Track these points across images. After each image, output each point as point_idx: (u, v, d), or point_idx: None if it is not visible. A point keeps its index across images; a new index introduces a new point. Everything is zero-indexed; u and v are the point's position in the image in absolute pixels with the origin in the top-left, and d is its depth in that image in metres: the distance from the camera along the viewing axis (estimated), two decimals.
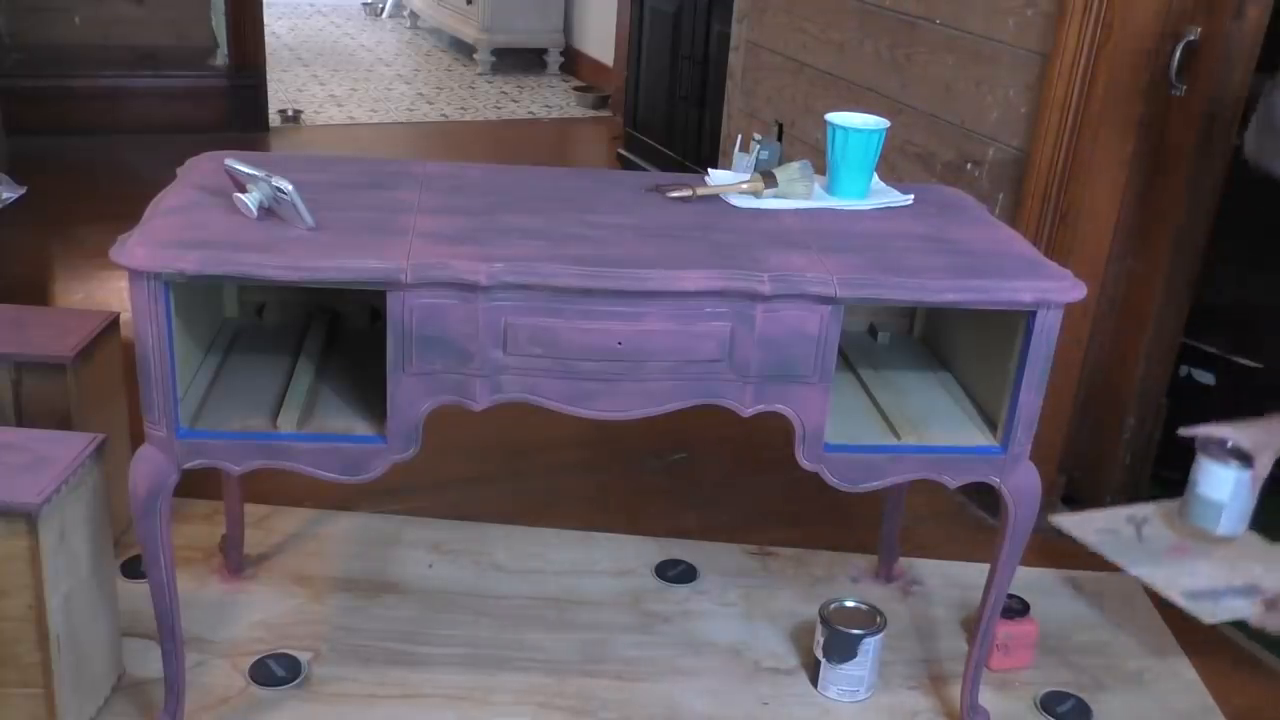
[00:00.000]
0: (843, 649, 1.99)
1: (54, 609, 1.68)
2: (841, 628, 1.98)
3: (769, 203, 1.88)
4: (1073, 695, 2.07)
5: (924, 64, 2.80)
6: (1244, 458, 2.07)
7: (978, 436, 1.80)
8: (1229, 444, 2.08)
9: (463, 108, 6.06)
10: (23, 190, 4.16)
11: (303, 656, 2.02)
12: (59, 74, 4.92)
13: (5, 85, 4.63)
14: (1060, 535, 2.41)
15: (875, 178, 1.95)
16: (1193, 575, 2.09)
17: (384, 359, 1.60)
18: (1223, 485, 2.07)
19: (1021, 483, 1.77)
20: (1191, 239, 2.50)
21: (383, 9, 8.43)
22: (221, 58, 5.21)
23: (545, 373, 1.62)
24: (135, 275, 1.51)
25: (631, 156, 4.93)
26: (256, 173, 1.61)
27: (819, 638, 2.02)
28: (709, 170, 2.02)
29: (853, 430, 1.78)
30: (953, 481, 1.77)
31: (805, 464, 1.73)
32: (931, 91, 2.78)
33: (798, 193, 1.89)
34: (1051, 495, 2.56)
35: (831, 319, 1.63)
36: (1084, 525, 2.25)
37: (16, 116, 4.53)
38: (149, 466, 1.62)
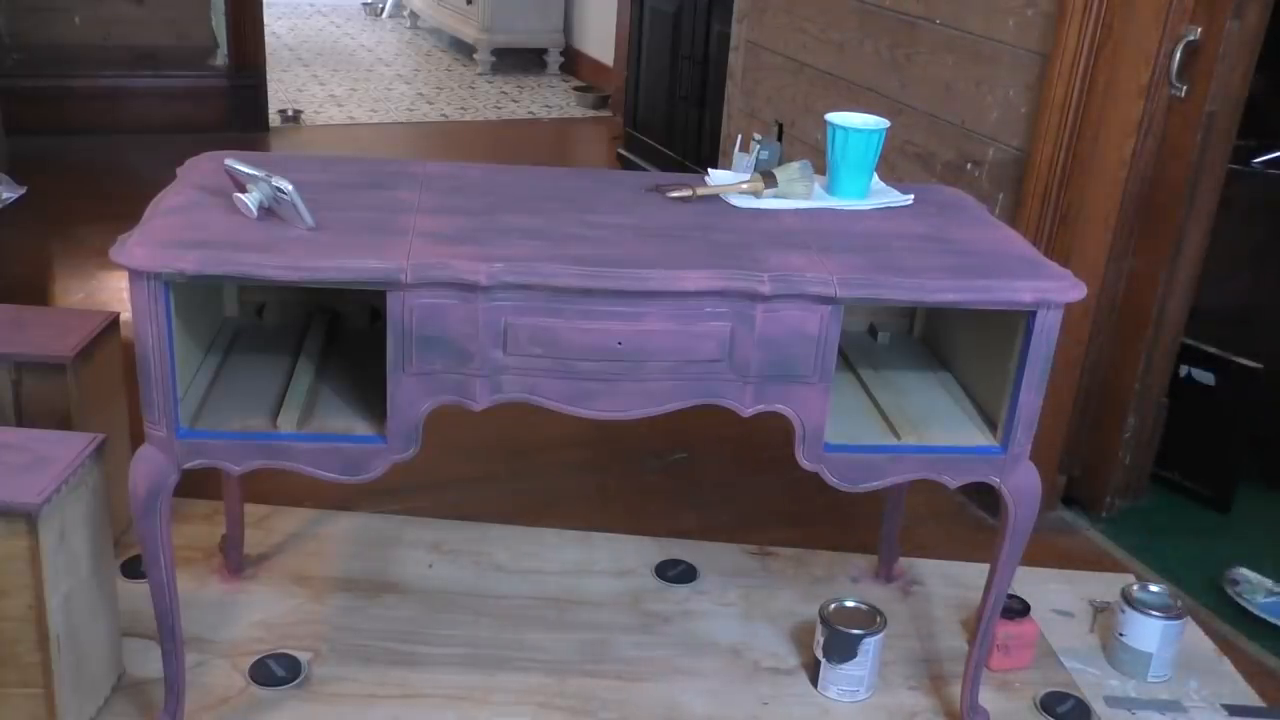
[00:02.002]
0: (843, 649, 1.99)
1: (54, 609, 1.68)
2: (841, 628, 1.98)
3: (769, 203, 1.88)
4: (1073, 695, 2.07)
5: (924, 64, 2.80)
6: (1170, 605, 2.10)
7: (978, 436, 1.80)
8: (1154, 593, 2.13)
9: (463, 108, 6.06)
10: (23, 190, 4.17)
11: (303, 656, 2.02)
12: (59, 74, 4.92)
13: (5, 85, 4.63)
14: (1061, 534, 2.43)
15: (875, 178, 1.95)
16: (1122, 681, 2.11)
17: (384, 359, 1.60)
18: (1150, 636, 2.10)
19: (1021, 483, 1.77)
20: (1191, 239, 2.50)
21: (383, 9, 8.43)
22: (221, 58, 5.21)
23: (545, 373, 1.62)
24: (135, 275, 1.51)
25: (631, 156, 4.93)
26: (256, 173, 1.61)
27: (819, 638, 2.02)
28: (709, 170, 2.02)
29: (853, 430, 1.78)
30: (953, 481, 1.77)
31: (805, 464, 1.73)
32: (931, 91, 2.78)
33: (798, 193, 1.89)
34: (1051, 495, 2.57)
35: (831, 319, 1.63)
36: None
37: (16, 116, 4.54)
38: (149, 466, 1.62)
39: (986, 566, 1.86)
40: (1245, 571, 2.39)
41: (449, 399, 1.63)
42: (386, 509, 2.46)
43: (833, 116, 1.90)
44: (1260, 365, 2.65)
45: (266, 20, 5.36)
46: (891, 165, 2.84)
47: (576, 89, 6.48)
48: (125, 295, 1.57)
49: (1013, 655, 2.11)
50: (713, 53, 4.23)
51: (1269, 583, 2.35)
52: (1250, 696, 2.11)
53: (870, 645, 1.99)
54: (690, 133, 4.47)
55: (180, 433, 1.62)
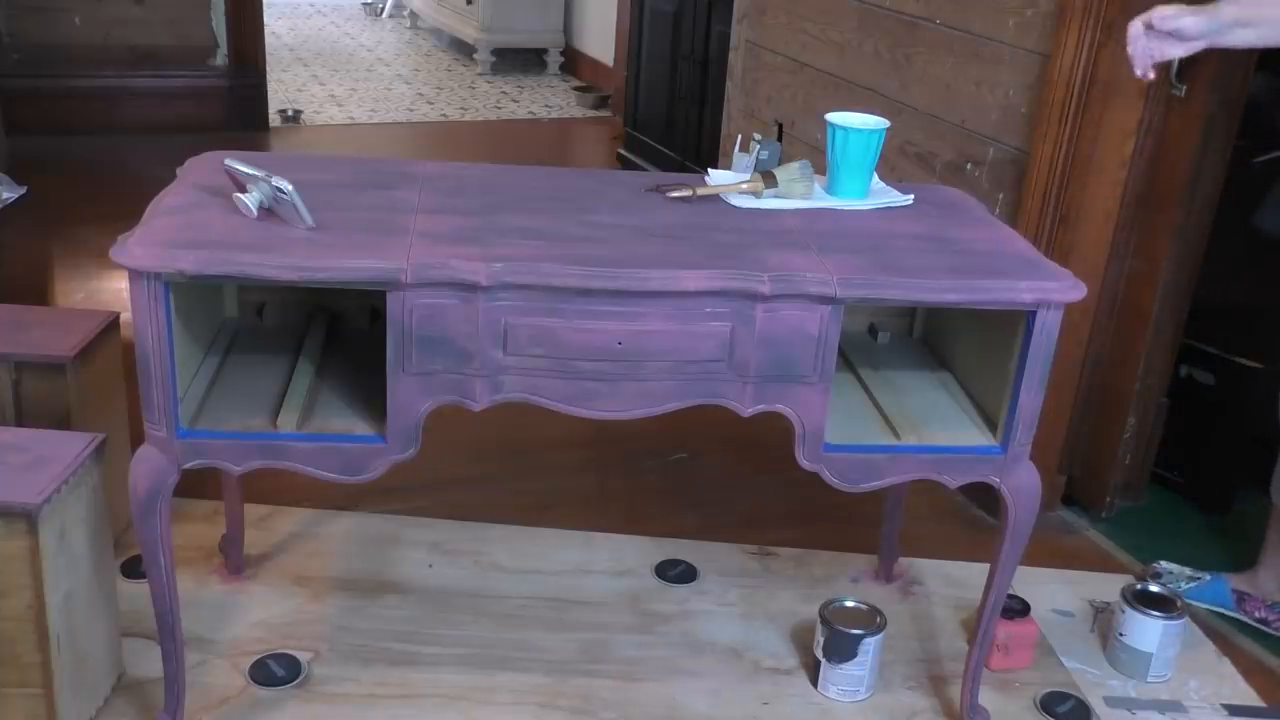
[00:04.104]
0: (843, 649, 1.99)
1: (54, 609, 1.68)
2: (841, 628, 1.98)
3: (769, 203, 1.88)
4: (1073, 695, 2.07)
5: (924, 64, 2.80)
6: (1170, 605, 2.10)
7: (977, 436, 1.80)
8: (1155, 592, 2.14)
9: (463, 108, 6.06)
10: (23, 190, 4.16)
11: (303, 656, 2.02)
12: (59, 74, 4.92)
13: (5, 85, 4.63)
14: (1061, 534, 2.41)
15: (875, 178, 1.95)
16: (1122, 681, 2.12)
17: (384, 359, 1.60)
18: (1150, 636, 2.10)
19: (1021, 483, 1.77)
20: (1191, 239, 2.50)
21: (383, 9, 8.43)
22: (221, 58, 5.21)
23: (545, 373, 1.62)
24: (135, 275, 1.51)
25: (631, 156, 4.92)
26: (256, 173, 1.61)
27: (819, 638, 2.02)
28: (709, 170, 2.02)
29: (852, 430, 1.78)
30: (952, 481, 1.77)
31: (805, 464, 1.73)
32: (931, 91, 2.78)
33: (798, 193, 1.89)
34: (1051, 495, 2.57)
35: (831, 319, 1.63)
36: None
37: (16, 116, 4.53)
38: (149, 466, 1.62)
39: (986, 566, 1.86)
40: (1166, 564, 2.41)
41: (449, 399, 1.63)
42: (386, 509, 2.46)
43: (833, 116, 1.90)
44: (1260, 365, 2.65)
45: (266, 20, 5.36)
46: (891, 165, 2.84)
47: (576, 89, 6.48)
48: (125, 295, 1.57)
49: (1013, 655, 2.11)
50: (713, 53, 4.23)
51: (1188, 570, 2.37)
52: (1250, 696, 2.11)
53: (870, 645, 1.99)
54: (690, 133, 4.47)
55: (180, 433, 1.62)
